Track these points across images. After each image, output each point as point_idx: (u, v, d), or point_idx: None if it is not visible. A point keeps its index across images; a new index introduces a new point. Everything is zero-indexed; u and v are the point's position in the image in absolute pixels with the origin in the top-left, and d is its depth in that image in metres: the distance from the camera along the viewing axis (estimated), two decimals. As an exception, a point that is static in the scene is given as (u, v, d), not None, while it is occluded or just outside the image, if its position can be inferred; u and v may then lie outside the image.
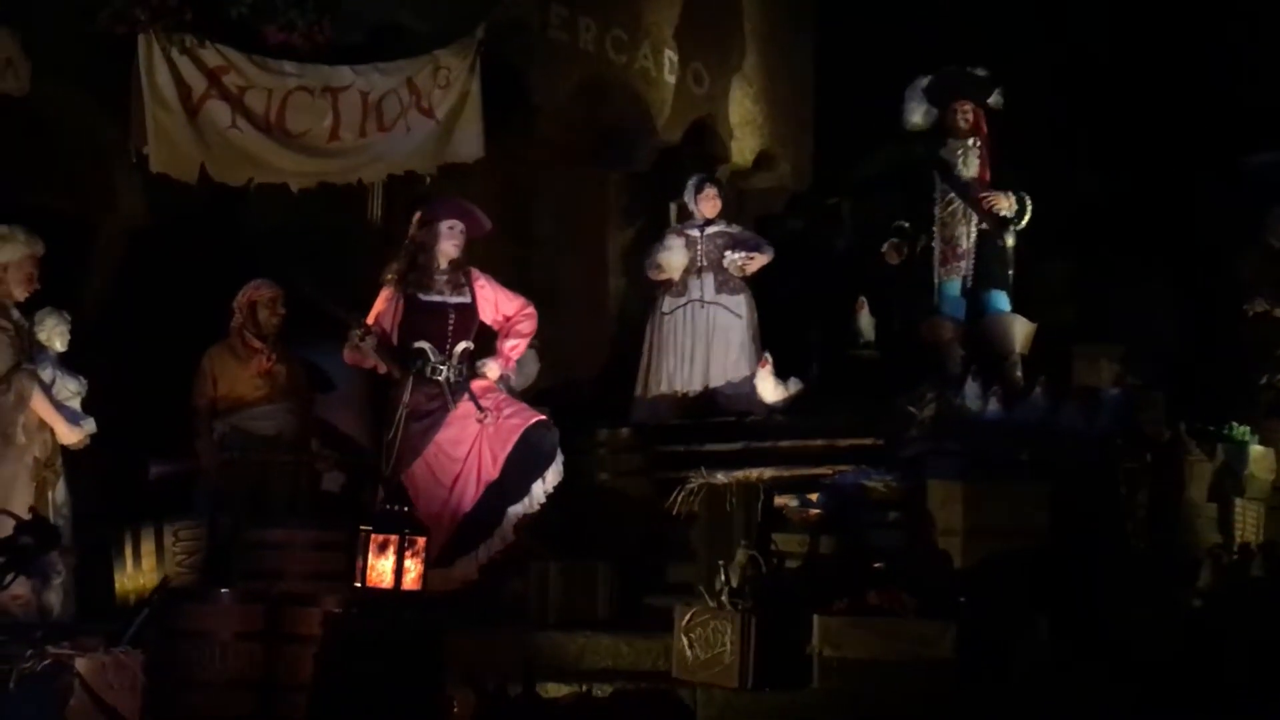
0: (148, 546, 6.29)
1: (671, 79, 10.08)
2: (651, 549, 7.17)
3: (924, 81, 9.05)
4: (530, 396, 9.28)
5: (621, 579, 6.87)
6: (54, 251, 8.10)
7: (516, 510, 6.88)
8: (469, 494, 6.86)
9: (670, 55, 10.05)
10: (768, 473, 6.92)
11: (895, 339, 9.62)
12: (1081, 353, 8.07)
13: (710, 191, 9.47)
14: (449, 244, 7.11)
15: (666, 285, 9.44)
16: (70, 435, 6.40)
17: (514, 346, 7.24)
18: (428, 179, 8.49)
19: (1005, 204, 8.85)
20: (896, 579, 6.24)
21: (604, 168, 10.20)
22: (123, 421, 7.04)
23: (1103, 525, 6.68)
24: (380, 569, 5.01)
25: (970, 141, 9.04)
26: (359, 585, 5.08)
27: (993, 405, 7.16)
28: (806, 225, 11.30)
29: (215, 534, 6.46)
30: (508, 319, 7.26)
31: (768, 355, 8.69)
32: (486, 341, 7.38)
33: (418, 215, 7.19)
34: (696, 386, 9.23)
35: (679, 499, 6.83)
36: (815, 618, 5.89)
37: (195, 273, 8.10)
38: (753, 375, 8.84)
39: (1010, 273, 8.97)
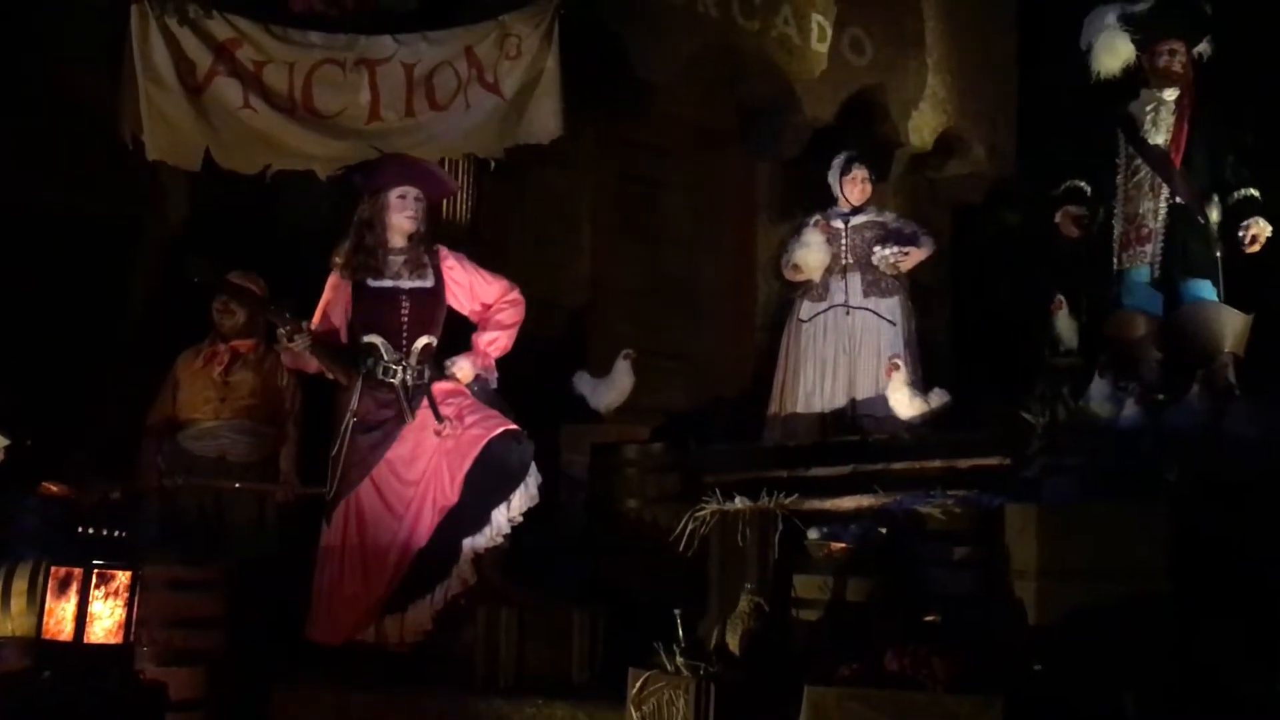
0: (19, 586, 5.21)
1: (822, 48, 8.60)
2: (681, 593, 5.67)
3: (1113, 14, 7.24)
4: (663, 419, 8.13)
5: (631, 632, 5.38)
6: (95, 256, 7.49)
7: (477, 543, 5.56)
8: (424, 523, 5.58)
9: (819, 20, 8.58)
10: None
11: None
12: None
13: (859, 173, 8.00)
14: (401, 216, 5.87)
15: (805, 288, 8.00)
16: None
17: (493, 340, 5.94)
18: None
19: (1265, 230, 7.02)
20: (952, 636, 4.63)
21: (749, 154, 8.81)
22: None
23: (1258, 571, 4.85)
24: (60, 615, 3.76)
25: (1169, 94, 7.23)
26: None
27: (1129, 409, 5.41)
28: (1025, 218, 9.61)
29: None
30: (486, 307, 5.98)
31: (898, 360, 7.11)
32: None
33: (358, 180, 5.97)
34: (839, 403, 7.77)
35: (686, 529, 5.34)
36: (805, 688, 4.35)
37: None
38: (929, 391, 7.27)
39: (1218, 255, 7.10)
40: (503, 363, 7.47)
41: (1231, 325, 6.75)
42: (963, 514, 4.93)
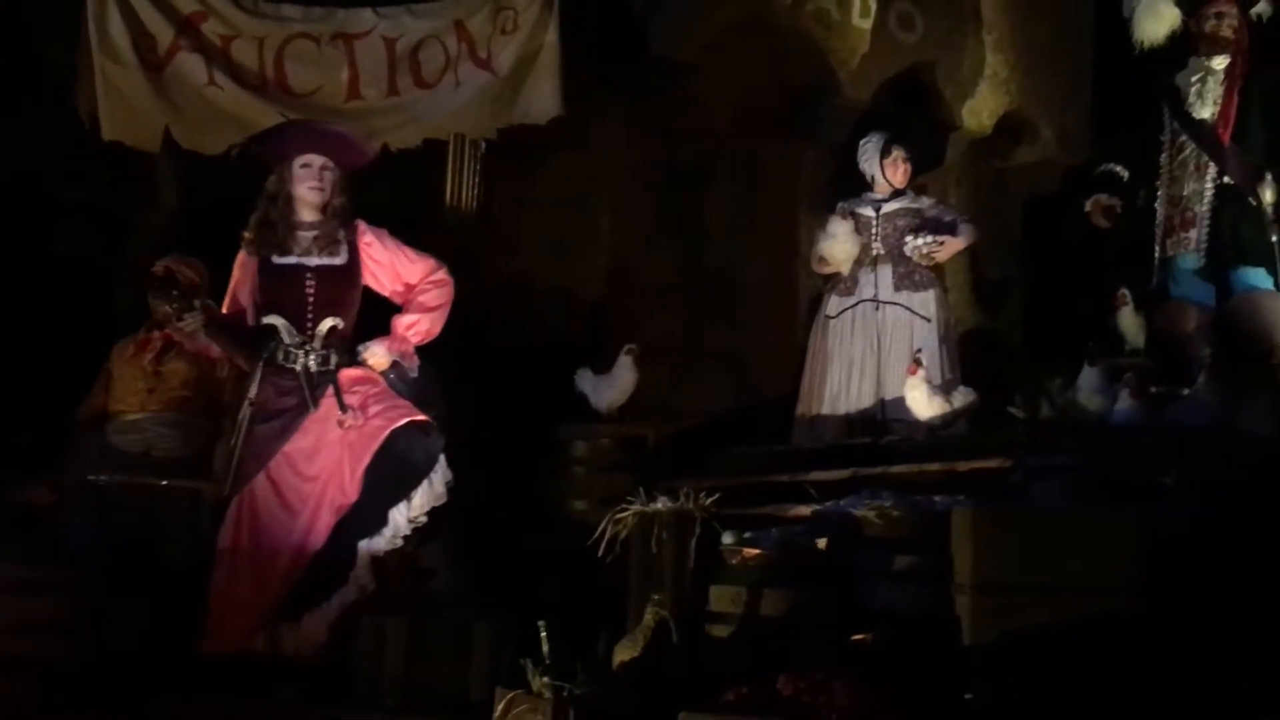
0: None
1: (865, 24, 7.94)
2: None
3: None
4: (699, 422, 7.60)
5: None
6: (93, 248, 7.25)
7: (375, 545, 5.06)
8: (322, 523, 5.09)
9: (863, -7, 7.93)
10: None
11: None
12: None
13: (899, 153, 7.34)
14: (306, 187, 5.40)
15: (834, 281, 7.38)
16: None
17: (413, 324, 5.44)
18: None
19: None
20: (884, 657, 4.03)
21: (792, 139, 8.20)
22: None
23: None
24: None
25: (1218, 63, 6.48)
26: None
27: (1124, 402, 4.72)
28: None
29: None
30: (410, 288, 5.49)
31: (919, 359, 6.44)
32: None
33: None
34: (866, 405, 7.12)
35: (605, 534, 4.77)
36: (680, 713, 3.77)
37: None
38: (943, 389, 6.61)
39: (1274, 239, 6.32)
40: (508, 357, 7.11)
41: (1289, 319, 6.00)
42: (903, 519, 4.29)
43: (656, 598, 4.30)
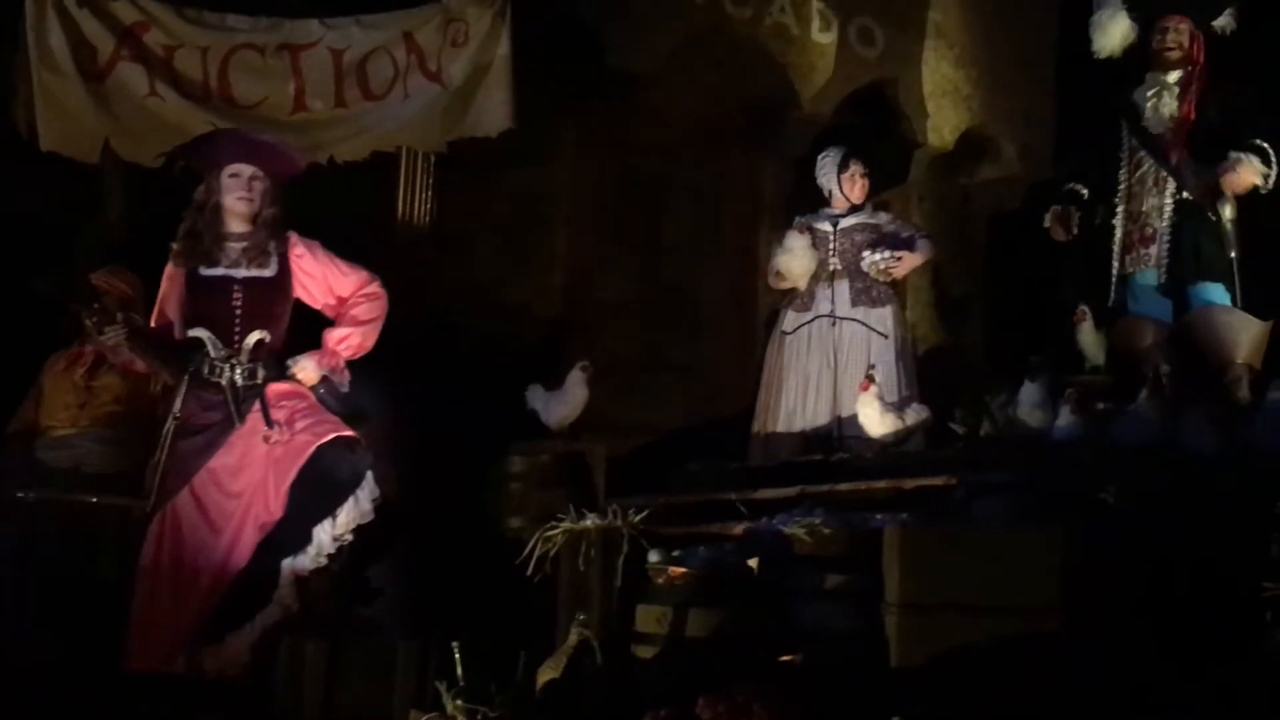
0: None
1: (825, 38, 7.90)
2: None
3: None
4: (657, 439, 7.51)
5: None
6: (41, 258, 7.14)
7: (299, 564, 4.95)
8: (245, 541, 4.97)
9: (821, 8, 7.88)
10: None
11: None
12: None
13: (857, 169, 7.25)
14: (235, 198, 5.29)
15: (791, 296, 7.30)
16: None
17: (344, 338, 5.33)
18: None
19: (1251, 175, 6.18)
20: (814, 679, 3.93)
21: (752, 153, 8.13)
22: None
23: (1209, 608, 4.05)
24: None
25: (1172, 77, 6.41)
26: None
27: (1065, 418, 4.63)
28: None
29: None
30: (342, 301, 5.38)
31: (872, 375, 6.35)
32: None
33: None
34: (822, 422, 7.03)
35: (535, 552, 4.66)
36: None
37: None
38: (897, 405, 6.52)
39: (1232, 255, 6.26)
40: (462, 374, 7.00)
41: (1246, 333, 5.91)
42: (834, 537, 4.19)
43: (581, 617, 4.20)
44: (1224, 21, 6.52)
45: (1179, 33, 6.46)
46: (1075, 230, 6.56)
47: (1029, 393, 4.92)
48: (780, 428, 7.15)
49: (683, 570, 4.16)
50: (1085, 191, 6.60)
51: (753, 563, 4.36)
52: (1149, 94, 6.43)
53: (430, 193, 7.15)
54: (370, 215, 7.05)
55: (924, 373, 7.47)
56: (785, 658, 4.06)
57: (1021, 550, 3.96)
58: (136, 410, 5.73)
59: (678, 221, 8.04)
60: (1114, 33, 6.54)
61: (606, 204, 7.78)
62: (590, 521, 4.50)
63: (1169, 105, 6.36)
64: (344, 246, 6.21)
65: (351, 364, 6.15)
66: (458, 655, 3.90)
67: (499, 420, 6.78)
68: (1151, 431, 4.67)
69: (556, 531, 4.59)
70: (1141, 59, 6.68)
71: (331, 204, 6.60)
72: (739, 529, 4.84)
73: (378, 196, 7.10)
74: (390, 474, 6.54)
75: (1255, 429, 4.53)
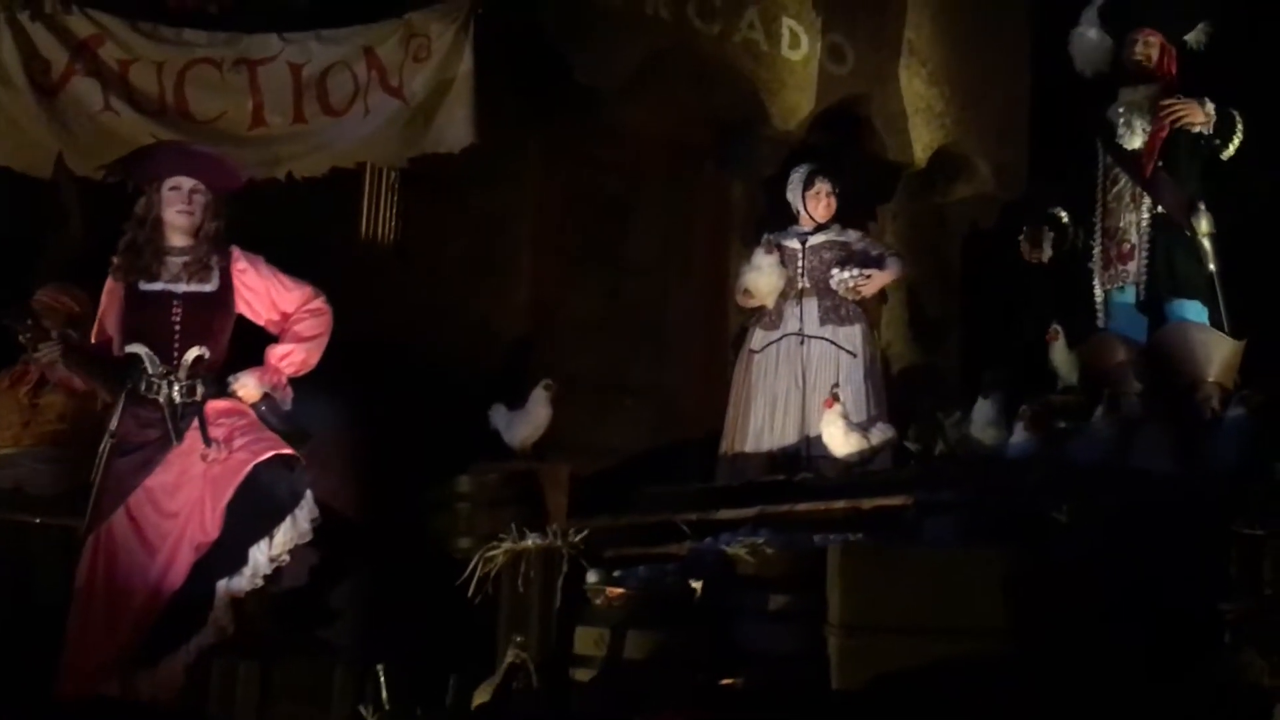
0: None
1: (795, 55, 7.83)
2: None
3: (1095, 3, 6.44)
4: (623, 460, 7.42)
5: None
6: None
7: (235, 585, 4.84)
8: (180, 562, 4.84)
9: (791, 25, 7.81)
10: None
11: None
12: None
13: (823, 187, 7.18)
14: (175, 211, 5.16)
15: (759, 315, 7.21)
16: None
17: (287, 355, 5.21)
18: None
19: (1195, 114, 6.09)
20: (754, 703, 3.82)
21: (720, 171, 8.05)
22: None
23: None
24: None
25: (1142, 91, 6.36)
26: None
27: (1018, 435, 4.53)
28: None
29: None
30: (286, 317, 5.27)
31: (835, 393, 6.26)
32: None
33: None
34: (790, 441, 6.94)
35: (476, 572, 4.56)
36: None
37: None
38: (863, 425, 6.43)
39: (1211, 269, 6.19)
40: (425, 393, 6.89)
41: (1218, 351, 5.84)
42: (776, 557, 4.09)
43: (518, 639, 4.09)
44: (1196, 36, 6.45)
45: (1148, 45, 6.44)
46: (1049, 251, 6.48)
47: (982, 410, 4.84)
48: (748, 447, 7.06)
49: (620, 591, 4.06)
50: (1065, 215, 6.53)
51: (696, 584, 4.25)
52: (1121, 110, 6.37)
53: (394, 210, 7.06)
54: (334, 232, 6.96)
55: (899, 393, 7.39)
56: (725, 681, 3.94)
57: (964, 571, 3.87)
58: (82, 429, 5.61)
59: (645, 240, 7.96)
60: (1087, 49, 6.47)
61: (572, 222, 7.70)
62: (531, 541, 4.38)
63: (1141, 120, 6.30)
64: (307, 264, 6.16)
65: (312, 382, 6.08)
66: (383, 679, 3.79)
67: (462, 440, 6.70)
68: (1107, 450, 4.56)
69: (498, 552, 4.47)
70: (1116, 76, 6.63)
71: (295, 220, 6.56)
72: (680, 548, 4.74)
73: (341, 213, 7.01)
74: (351, 494, 6.53)
75: (1214, 447, 4.41)
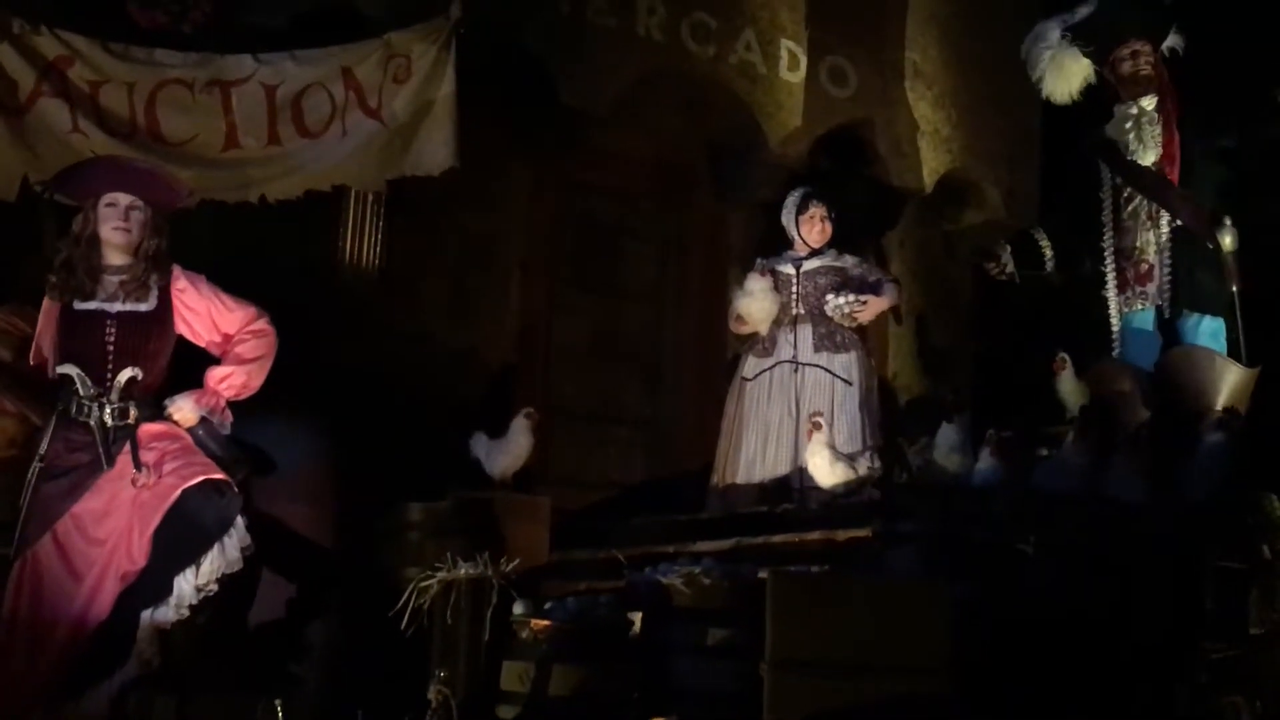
0: None
1: (793, 78, 7.65)
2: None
3: (1056, 29, 6.21)
4: (615, 491, 7.22)
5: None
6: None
7: (160, 616, 4.64)
8: (107, 592, 4.65)
9: (790, 46, 7.64)
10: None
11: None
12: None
13: (817, 211, 6.98)
14: (110, 228, 4.99)
15: (752, 342, 7.00)
16: None
17: (226, 377, 5.02)
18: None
19: None
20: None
21: (716, 197, 7.85)
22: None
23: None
24: None
25: (1146, 103, 6.12)
26: None
27: (984, 462, 4.29)
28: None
29: None
30: (228, 338, 5.09)
31: (819, 420, 6.04)
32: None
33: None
34: (783, 471, 6.71)
35: (410, 603, 4.35)
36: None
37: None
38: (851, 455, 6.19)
39: (1234, 289, 5.92)
40: (408, 421, 6.71)
41: (1228, 378, 5.56)
42: (714, 589, 3.86)
43: (442, 674, 3.88)
44: (1173, 41, 6.24)
45: (1147, 54, 6.19)
46: (1009, 268, 6.25)
47: (945, 435, 4.60)
48: (740, 478, 6.85)
49: (545, 623, 3.85)
50: (1045, 241, 6.32)
51: (635, 616, 4.02)
52: (1127, 125, 6.15)
53: (379, 234, 6.90)
54: (316, 257, 6.81)
55: (906, 424, 7.15)
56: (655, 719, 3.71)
57: (908, 604, 3.63)
58: (32, 455, 5.46)
59: (637, 267, 7.79)
60: (1071, 75, 6.26)
61: (561, 248, 7.54)
62: (462, 571, 4.18)
63: (1151, 133, 6.08)
64: (288, 287, 6.04)
65: (288, 409, 5.92)
66: (280, 713, 3.58)
67: (445, 470, 6.52)
68: (1076, 479, 4.30)
69: (431, 581, 4.26)
70: (1100, 97, 6.41)
71: (276, 244, 6.42)
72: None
73: (324, 238, 6.86)
74: (329, 524, 6.36)
75: (1189, 474, 4.15)
